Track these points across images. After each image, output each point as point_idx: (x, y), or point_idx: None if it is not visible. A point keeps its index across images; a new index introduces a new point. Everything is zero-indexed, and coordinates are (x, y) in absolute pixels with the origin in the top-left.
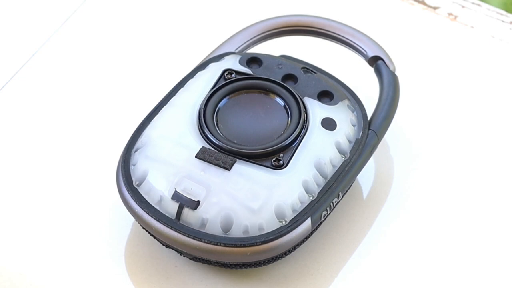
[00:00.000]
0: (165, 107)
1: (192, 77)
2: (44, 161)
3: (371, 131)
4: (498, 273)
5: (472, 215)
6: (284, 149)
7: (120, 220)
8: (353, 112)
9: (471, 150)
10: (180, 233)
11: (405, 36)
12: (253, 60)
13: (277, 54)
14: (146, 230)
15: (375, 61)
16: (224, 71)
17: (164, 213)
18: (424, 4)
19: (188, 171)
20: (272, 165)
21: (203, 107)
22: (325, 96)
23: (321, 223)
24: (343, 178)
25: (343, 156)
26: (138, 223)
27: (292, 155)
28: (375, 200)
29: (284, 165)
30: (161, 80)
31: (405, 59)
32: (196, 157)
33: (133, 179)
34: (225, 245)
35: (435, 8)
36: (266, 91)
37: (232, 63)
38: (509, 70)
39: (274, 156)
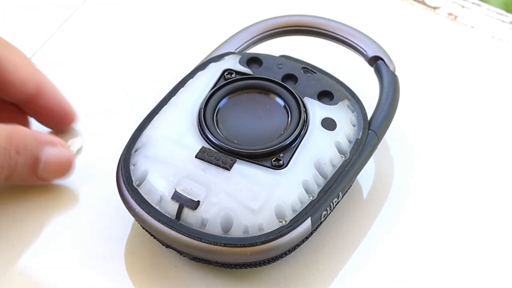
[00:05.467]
0: (165, 107)
1: (192, 77)
2: None
3: (371, 131)
4: (500, 273)
5: (472, 215)
6: (284, 149)
7: (120, 220)
8: (353, 112)
9: (471, 150)
10: (180, 233)
11: (405, 36)
12: (253, 60)
13: (277, 54)
14: (146, 230)
15: (375, 61)
16: (224, 71)
17: (164, 213)
18: (424, 4)
19: (188, 171)
20: (272, 165)
21: (203, 107)
22: (325, 96)
23: (321, 223)
24: (343, 178)
25: (343, 156)
26: (138, 223)
27: (292, 155)
28: (375, 200)
29: (284, 165)
30: (161, 80)
31: (405, 59)
32: (196, 157)
33: (133, 179)
34: (225, 245)
35: (435, 8)
36: (266, 91)
37: (232, 63)
38: (509, 70)
39: (274, 156)
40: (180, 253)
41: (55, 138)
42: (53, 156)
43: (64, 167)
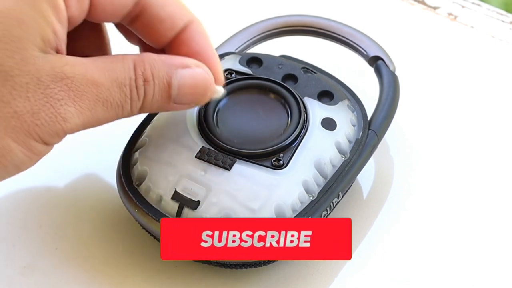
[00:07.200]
0: None
1: None
2: (44, 160)
3: (371, 131)
4: (500, 273)
5: (472, 215)
6: (284, 149)
7: (120, 220)
8: (353, 112)
9: (471, 150)
10: None
11: (405, 36)
12: (253, 60)
13: (277, 54)
14: (146, 230)
15: (375, 61)
16: (224, 71)
17: (164, 213)
18: (424, 4)
19: (188, 171)
20: (272, 165)
21: (203, 107)
22: (325, 96)
23: None
24: (343, 178)
25: (343, 156)
26: (138, 223)
27: (292, 155)
28: (375, 200)
29: (284, 165)
30: None
31: (405, 59)
32: (196, 157)
33: (133, 179)
34: None
35: (435, 8)
36: (266, 91)
37: (232, 63)
38: (509, 70)
39: (274, 156)
40: None
41: (189, 60)
42: (187, 79)
43: (202, 90)
